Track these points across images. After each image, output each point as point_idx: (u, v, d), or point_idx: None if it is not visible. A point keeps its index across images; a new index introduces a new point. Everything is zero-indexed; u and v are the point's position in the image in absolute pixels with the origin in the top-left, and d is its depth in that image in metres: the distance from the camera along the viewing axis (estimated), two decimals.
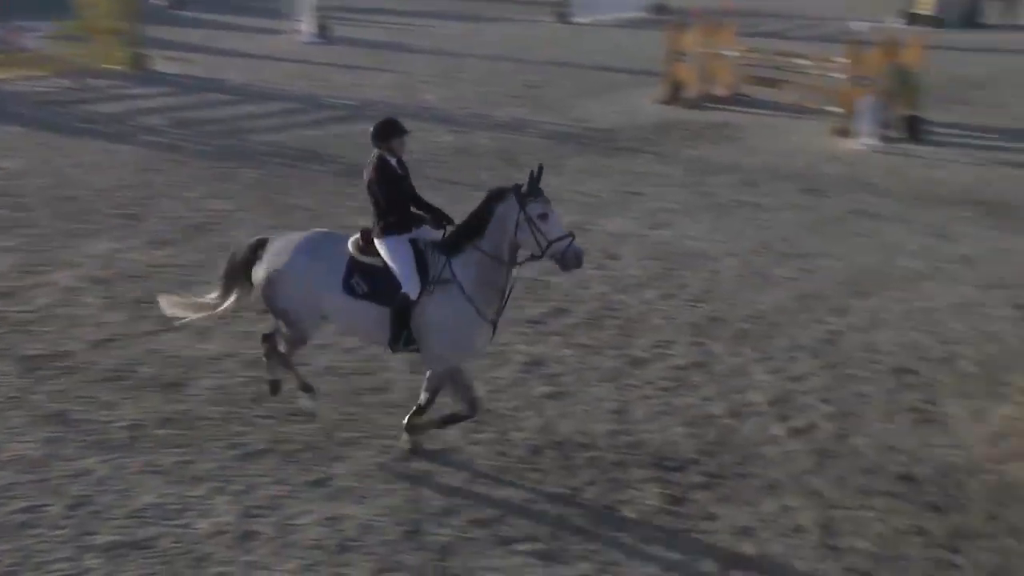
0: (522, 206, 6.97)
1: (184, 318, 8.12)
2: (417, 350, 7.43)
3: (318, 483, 7.13)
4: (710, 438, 7.90)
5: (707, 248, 12.48)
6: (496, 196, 7.13)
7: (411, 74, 24.66)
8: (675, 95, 22.26)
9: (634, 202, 14.41)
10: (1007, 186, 16.15)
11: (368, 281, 7.23)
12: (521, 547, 6.49)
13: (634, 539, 6.62)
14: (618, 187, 15.43)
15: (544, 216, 6.96)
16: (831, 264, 12.18)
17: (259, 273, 7.56)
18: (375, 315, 7.24)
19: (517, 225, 7.00)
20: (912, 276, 11.86)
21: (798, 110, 20.99)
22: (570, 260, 6.99)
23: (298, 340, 7.72)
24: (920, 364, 9.44)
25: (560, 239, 6.95)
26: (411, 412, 7.57)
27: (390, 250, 7.23)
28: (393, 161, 7.48)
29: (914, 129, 19.13)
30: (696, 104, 21.95)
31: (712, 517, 6.90)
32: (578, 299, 10.70)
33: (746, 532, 6.75)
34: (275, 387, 7.96)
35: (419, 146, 17.57)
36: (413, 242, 7.30)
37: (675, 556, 6.46)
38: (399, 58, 26.91)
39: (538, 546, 6.50)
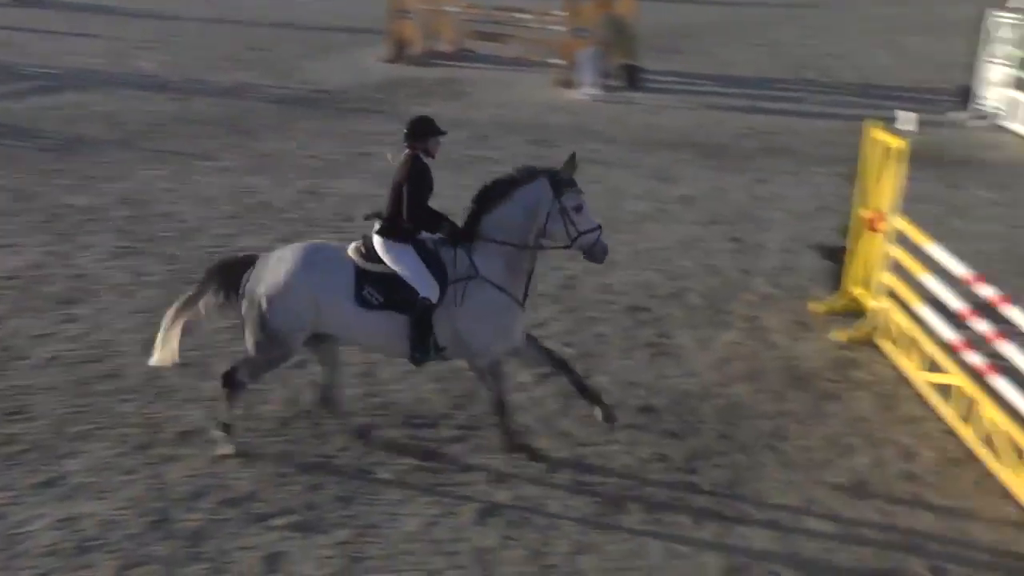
0: (557, 195, 6.69)
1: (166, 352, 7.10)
2: (445, 358, 6.99)
3: (48, 484, 6.59)
4: (459, 392, 7.95)
5: (444, 204, 12.49)
6: (520, 180, 6.76)
7: (123, 39, 23.19)
8: (400, 53, 22.20)
9: (366, 163, 14.24)
10: (719, 129, 17.25)
11: (382, 290, 6.71)
12: (277, 521, 6.30)
13: (392, 500, 6.58)
14: (349, 148, 15.23)
15: (579, 208, 6.72)
16: None
17: (256, 292, 6.77)
18: (393, 325, 6.75)
19: (549, 215, 6.70)
20: (639, 218, 12.44)
21: (522, 63, 21.48)
22: (598, 254, 6.84)
23: (277, 360, 6.98)
24: (652, 301, 9.93)
25: (590, 231, 6.75)
26: (501, 430, 7.10)
27: (393, 255, 6.73)
28: (427, 162, 6.87)
29: (632, 78, 20.03)
30: (421, 61, 21.99)
31: (467, 469, 6.96)
32: None
33: (501, 479, 6.86)
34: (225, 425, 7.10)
35: (136, 116, 16.61)
36: (420, 243, 6.83)
37: (433, 512, 6.48)
38: (108, 22, 25.25)
39: (294, 518, 6.33)
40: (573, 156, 6.82)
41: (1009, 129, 17.73)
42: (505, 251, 6.79)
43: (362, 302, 6.73)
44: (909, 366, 8.39)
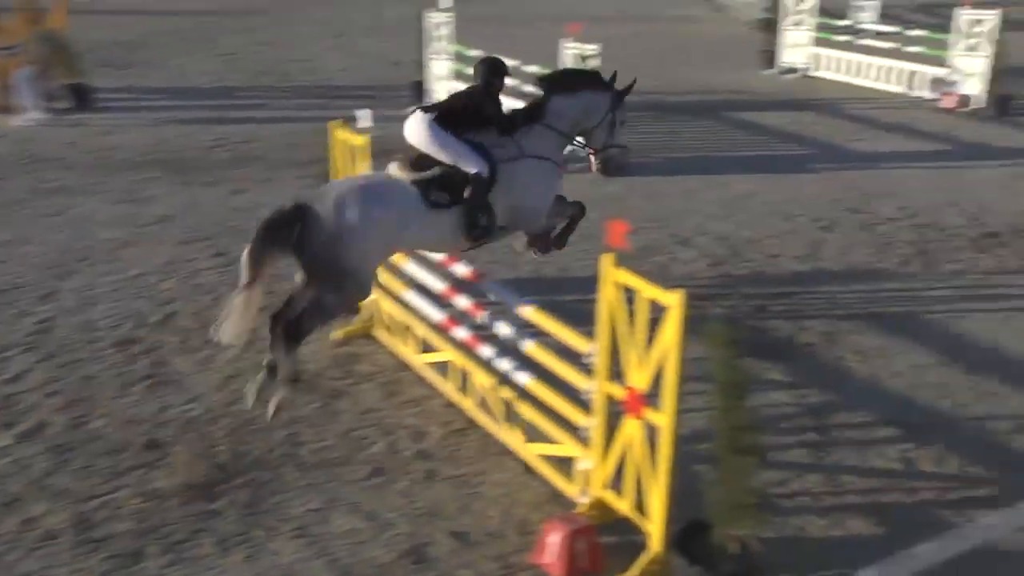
0: (613, 108, 7.56)
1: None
2: (488, 240, 7.47)
3: None
4: None
5: None
6: (592, 80, 7.60)
7: None
8: None
9: None
10: (185, 143, 16.70)
11: (446, 189, 7.06)
12: None
13: None
14: None
15: (624, 123, 7.70)
16: (26, 250, 11.42)
17: (322, 235, 6.55)
18: (456, 216, 7.16)
19: (600, 122, 7.56)
20: (114, 246, 11.66)
21: None
22: (614, 168, 7.77)
23: (354, 301, 7.31)
24: (142, 331, 9.34)
25: (620, 146, 7.71)
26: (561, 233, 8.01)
27: (438, 140, 7.08)
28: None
29: (81, 98, 18.73)
30: None
31: None
32: None
33: None
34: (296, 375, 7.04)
35: None
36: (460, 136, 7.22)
37: None
38: None
39: None
40: (634, 81, 7.73)
41: None
42: (550, 138, 7.46)
43: (433, 205, 7.04)
44: (406, 351, 8.75)
